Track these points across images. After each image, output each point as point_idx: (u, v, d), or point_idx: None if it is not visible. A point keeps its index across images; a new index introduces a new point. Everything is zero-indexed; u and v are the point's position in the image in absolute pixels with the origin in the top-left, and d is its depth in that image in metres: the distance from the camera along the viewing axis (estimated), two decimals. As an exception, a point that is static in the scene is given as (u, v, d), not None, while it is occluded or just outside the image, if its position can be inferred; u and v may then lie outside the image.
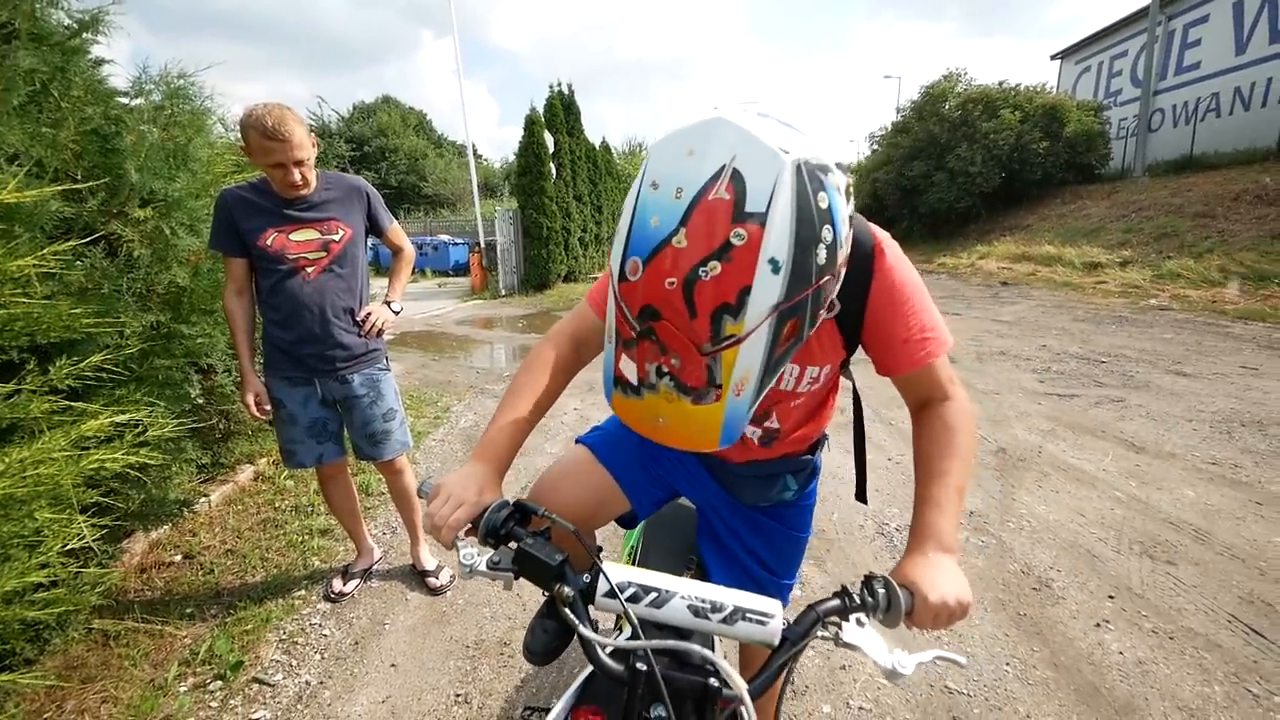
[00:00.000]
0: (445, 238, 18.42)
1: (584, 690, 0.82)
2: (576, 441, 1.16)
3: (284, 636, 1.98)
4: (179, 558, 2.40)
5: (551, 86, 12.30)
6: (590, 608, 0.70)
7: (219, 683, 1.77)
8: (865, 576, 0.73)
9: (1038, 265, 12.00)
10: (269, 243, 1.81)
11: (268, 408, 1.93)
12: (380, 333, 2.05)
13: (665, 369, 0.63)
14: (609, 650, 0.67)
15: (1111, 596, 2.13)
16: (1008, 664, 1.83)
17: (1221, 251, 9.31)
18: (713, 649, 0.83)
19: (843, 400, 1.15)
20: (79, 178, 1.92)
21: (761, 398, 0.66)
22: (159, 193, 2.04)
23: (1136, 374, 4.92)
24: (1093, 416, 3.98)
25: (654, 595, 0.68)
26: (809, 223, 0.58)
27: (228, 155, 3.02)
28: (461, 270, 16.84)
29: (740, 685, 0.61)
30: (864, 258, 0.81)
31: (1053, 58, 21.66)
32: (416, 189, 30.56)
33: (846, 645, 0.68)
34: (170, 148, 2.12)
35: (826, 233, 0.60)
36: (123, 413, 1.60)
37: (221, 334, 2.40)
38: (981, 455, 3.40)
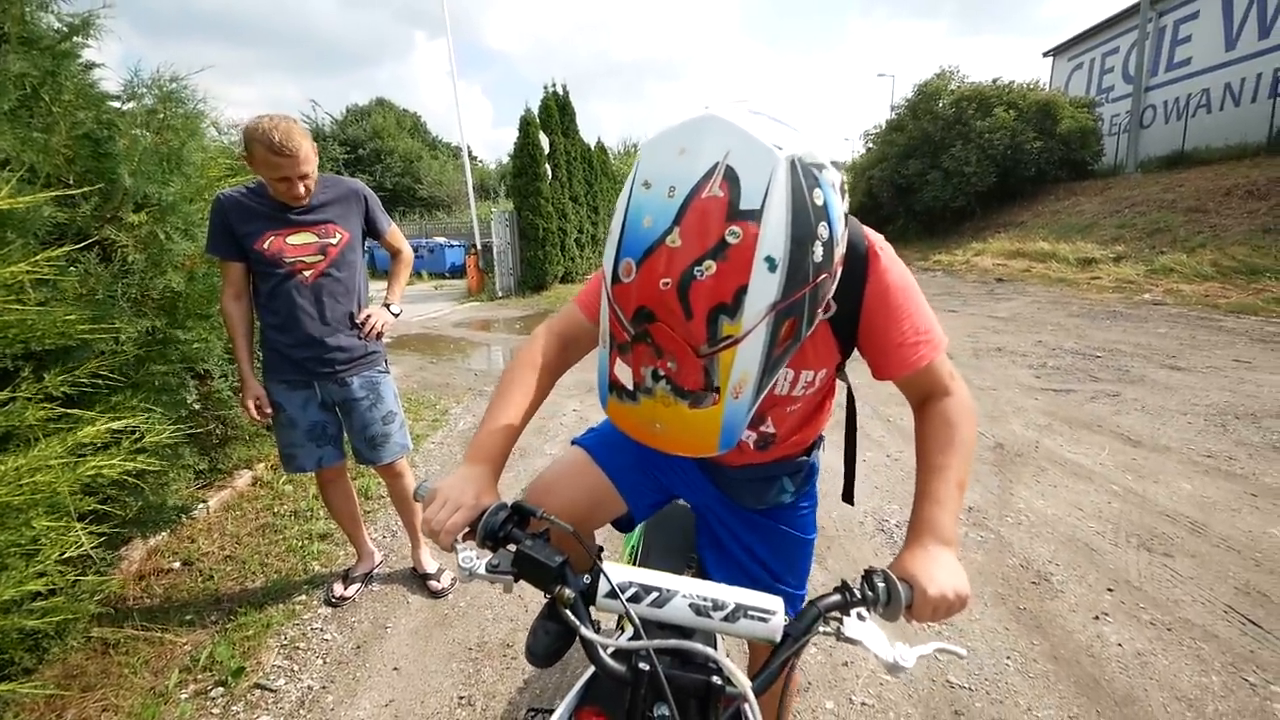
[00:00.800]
0: (441, 240, 18.40)
1: (587, 691, 0.81)
2: (572, 443, 1.15)
3: (285, 641, 1.98)
4: (178, 564, 2.39)
5: (546, 87, 12.31)
6: (592, 609, 0.70)
7: (220, 689, 1.76)
8: (865, 571, 0.73)
9: (1032, 261, 12.06)
10: (266, 247, 1.80)
11: (269, 411, 1.93)
12: (379, 335, 2.05)
13: (661, 372, 0.62)
14: (611, 651, 0.67)
15: (1110, 589, 2.14)
16: (1008, 657, 1.83)
17: (1214, 246, 9.37)
18: (715, 647, 0.83)
19: (838, 397, 1.15)
20: (71, 183, 1.91)
21: (760, 400, 0.65)
22: (153, 197, 2.03)
23: (1132, 368, 4.95)
24: (1089, 411, 4.00)
25: (655, 595, 0.68)
26: (805, 219, 0.57)
27: (221, 159, 3.01)
28: (458, 272, 16.80)
29: (744, 682, 0.61)
30: (858, 261, 0.80)
31: (1045, 54, 21.78)
32: (412, 191, 30.49)
33: (848, 640, 0.68)
34: (164, 152, 2.11)
35: (823, 229, 0.59)
36: (119, 419, 1.58)
37: (218, 339, 2.39)
38: (979, 450, 3.41)
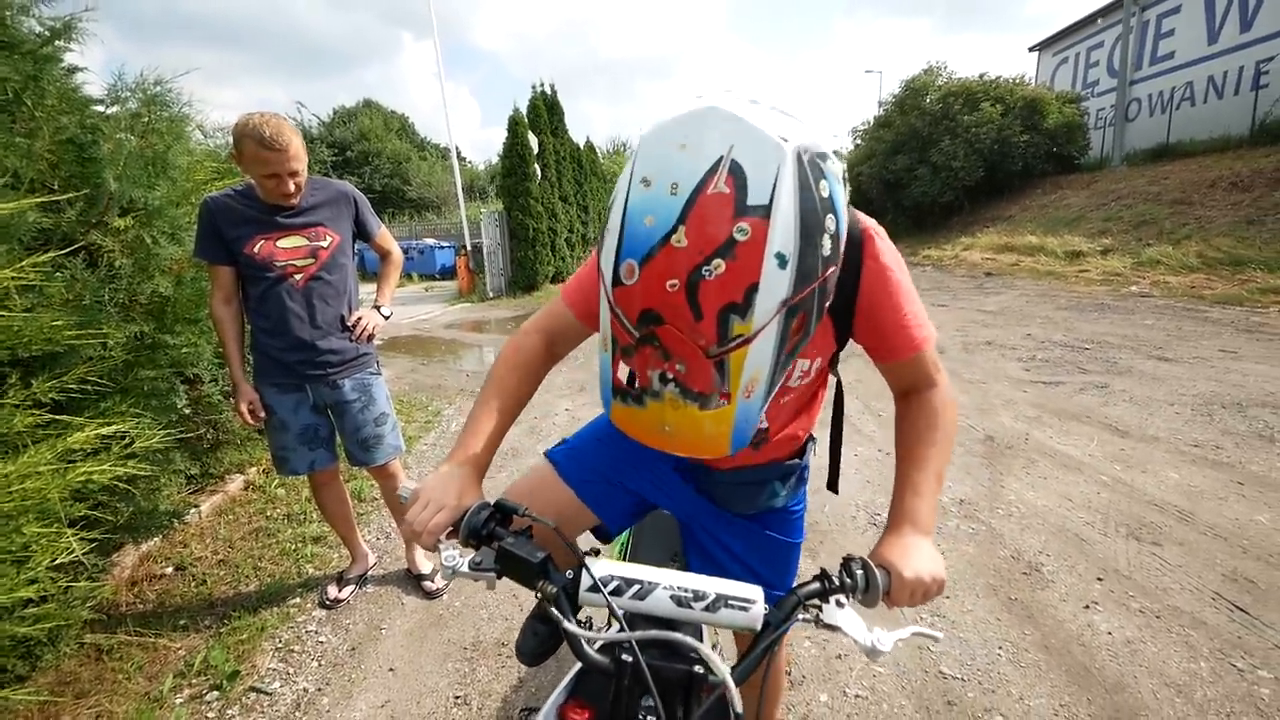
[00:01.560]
0: (431, 241, 18.29)
1: (574, 686, 0.82)
2: (545, 454, 1.13)
3: (280, 645, 1.97)
4: (170, 569, 2.38)
5: (534, 87, 12.26)
6: (582, 607, 0.71)
7: (215, 693, 1.75)
8: (844, 559, 0.75)
9: (1021, 255, 12.16)
10: (256, 251, 1.79)
11: (262, 415, 1.92)
12: (371, 337, 2.04)
13: (669, 375, 0.60)
14: (596, 645, 0.68)
15: (1100, 579, 2.17)
16: (1000, 648, 1.86)
17: (1199, 238, 9.48)
18: (700, 638, 0.83)
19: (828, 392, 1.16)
20: (56, 188, 1.89)
21: (771, 397, 0.64)
22: (139, 201, 2.01)
23: (1119, 360, 5.00)
24: (1078, 403, 4.05)
25: (637, 587, 0.69)
26: (813, 213, 0.56)
27: (207, 162, 2.99)
28: (448, 274, 16.73)
29: (723, 670, 0.62)
30: (854, 246, 0.79)
31: (1031, 49, 21.94)
32: (400, 193, 30.31)
33: (827, 626, 0.69)
34: (149, 155, 2.09)
35: (830, 222, 0.58)
36: (109, 425, 1.57)
37: (207, 343, 2.37)
38: (969, 443, 3.44)
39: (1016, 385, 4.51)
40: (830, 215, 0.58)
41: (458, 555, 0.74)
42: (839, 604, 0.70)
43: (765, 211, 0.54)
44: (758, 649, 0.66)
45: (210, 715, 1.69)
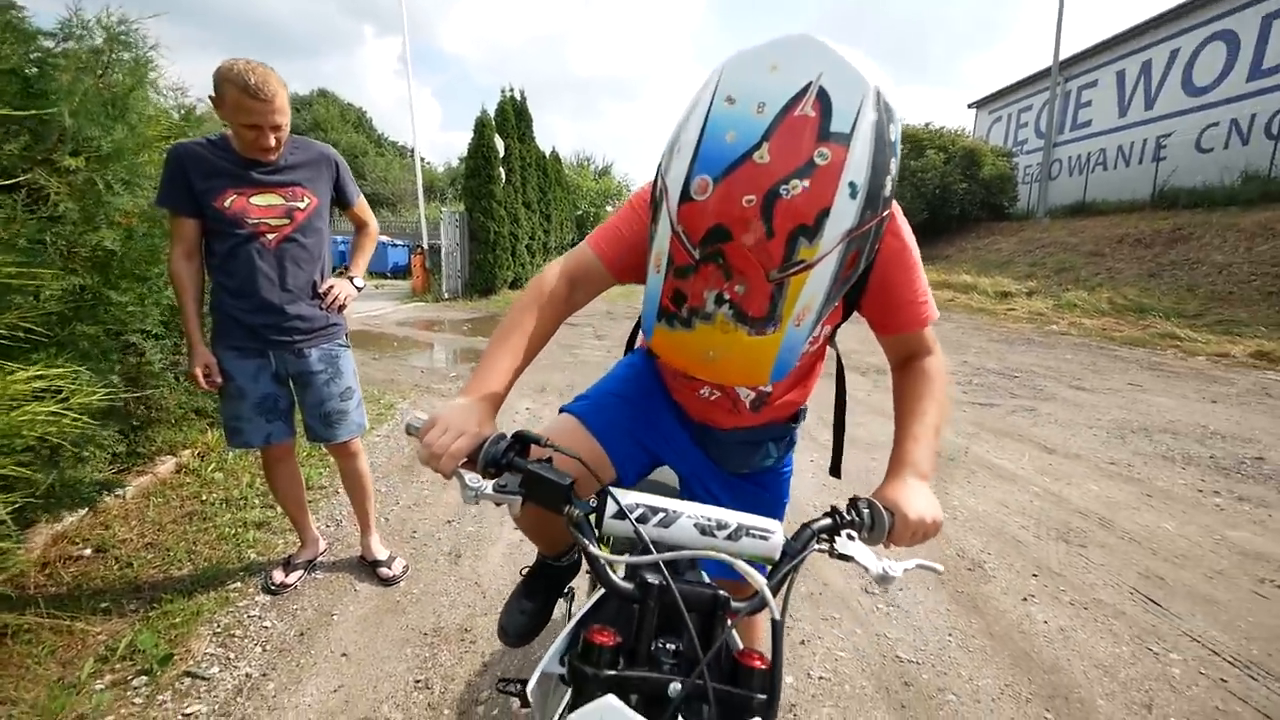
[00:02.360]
0: (385, 239, 17.67)
1: (593, 614, 0.82)
2: (561, 410, 1.13)
3: (218, 630, 1.82)
4: (89, 551, 2.16)
5: (504, 91, 12.22)
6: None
7: (144, 678, 1.60)
8: (851, 499, 0.78)
9: (957, 292, 13.01)
10: (228, 205, 1.70)
11: (218, 380, 1.79)
12: (342, 308, 1.97)
13: (726, 296, 0.60)
14: (621, 571, 0.69)
15: (1035, 575, 2.33)
16: (950, 634, 1.96)
17: (1110, 286, 10.48)
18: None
19: (828, 368, 1.21)
20: (-4, 120, 1.73)
21: (816, 329, 0.65)
22: (94, 142, 1.86)
23: (1045, 387, 5.43)
24: (1010, 422, 4.36)
25: (662, 515, 0.71)
26: (884, 150, 0.58)
27: (162, 118, 2.80)
28: (400, 273, 16.19)
29: (759, 579, 0.64)
30: None
31: (969, 106, 23.80)
32: (353, 187, 29.27)
33: (841, 556, 0.72)
34: (108, 96, 1.95)
35: (894, 165, 0.60)
36: (49, 371, 1.43)
37: (154, 305, 2.20)
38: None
39: (956, 405, 4.80)
40: (894, 160, 0.61)
41: (480, 478, 0.73)
42: (849, 538, 0.74)
43: (846, 140, 0.56)
44: (776, 577, 0.69)
45: (137, 701, 1.54)
